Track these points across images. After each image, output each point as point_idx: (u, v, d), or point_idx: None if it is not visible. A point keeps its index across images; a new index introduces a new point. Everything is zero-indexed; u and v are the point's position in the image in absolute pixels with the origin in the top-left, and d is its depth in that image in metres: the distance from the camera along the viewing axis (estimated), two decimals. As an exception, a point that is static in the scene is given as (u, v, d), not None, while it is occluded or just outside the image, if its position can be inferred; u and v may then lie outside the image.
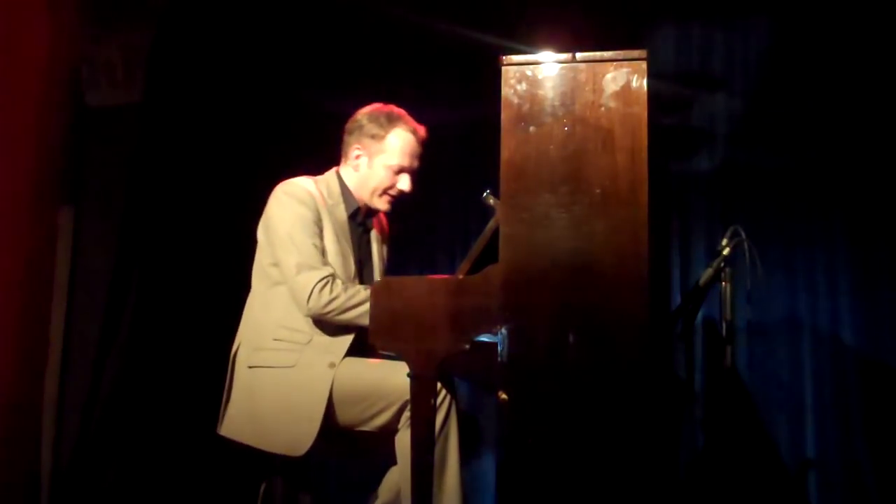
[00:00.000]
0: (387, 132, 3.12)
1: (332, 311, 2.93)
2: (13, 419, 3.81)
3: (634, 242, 2.60)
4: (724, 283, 3.17)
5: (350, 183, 3.17)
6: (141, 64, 4.17)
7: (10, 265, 3.79)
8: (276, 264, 3.03)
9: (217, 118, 4.39)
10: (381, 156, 3.13)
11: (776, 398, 4.14)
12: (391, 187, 3.14)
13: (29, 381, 3.92)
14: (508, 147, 2.68)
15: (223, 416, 3.02)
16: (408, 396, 2.77)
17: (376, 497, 3.05)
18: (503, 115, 2.68)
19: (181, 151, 4.30)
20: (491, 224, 2.78)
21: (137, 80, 4.17)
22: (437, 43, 4.39)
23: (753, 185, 4.23)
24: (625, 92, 2.63)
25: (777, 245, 4.14)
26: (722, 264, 3.17)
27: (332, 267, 2.99)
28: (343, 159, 3.21)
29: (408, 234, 4.29)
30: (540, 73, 2.68)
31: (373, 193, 3.16)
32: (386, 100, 3.21)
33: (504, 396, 2.63)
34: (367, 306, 2.86)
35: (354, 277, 3.09)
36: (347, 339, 2.98)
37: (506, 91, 2.69)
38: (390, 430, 2.90)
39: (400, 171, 3.13)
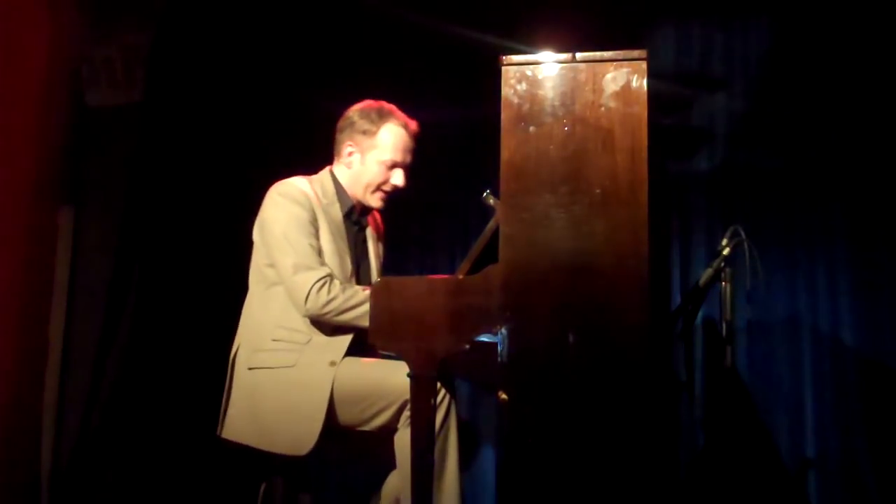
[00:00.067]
0: (378, 127, 3.11)
1: (331, 311, 2.93)
2: (13, 419, 3.81)
3: (634, 242, 2.60)
4: (724, 283, 3.17)
5: (344, 181, 3.16)
6: (141, 64, 4.16)
7: (10, 265, 3.78)
8: (272, 265, 3.02)
9: (217, 118, 4.38)
10: (374, 151, 3.11)
11: (776, 398, 4.14)
12: (384, 183, 3.13)
13: (29, 381, 3.91)
14: (508, 147, 2.68)
15: (223, 418, 3.01)
16: (408, 396, 2.77)
17: (377, 500, 3.05)
18: (503, 115, 2.69)
19: (181, 151, 4.30)
20: (491, 224, 2.78)
21: (137, 80, 4.16)
22: (437, 43, 4.38)
23: (753, 185, 4.23)
24: (625, 92, 2.64)
25: (777, 245, 4.14)
26: (722, 264, 3.17)
27: (329, 267, 2.99)
28: (336, 157, 3.19)
29: (408, 234, 4.31)
30: (540, 73, 2.68)
31: (366, 190, 3.14)
32: (386, 100, 3.20)
33: (504, 396, 2.63)
34: (365, 307, 2.86)
35: (351, 277, 3.09)
36: (347, 339, 2.97)
37: (506, 91, 2.69)
38: (390, 429, 2.90)
39: (393, 166, 3.12)
